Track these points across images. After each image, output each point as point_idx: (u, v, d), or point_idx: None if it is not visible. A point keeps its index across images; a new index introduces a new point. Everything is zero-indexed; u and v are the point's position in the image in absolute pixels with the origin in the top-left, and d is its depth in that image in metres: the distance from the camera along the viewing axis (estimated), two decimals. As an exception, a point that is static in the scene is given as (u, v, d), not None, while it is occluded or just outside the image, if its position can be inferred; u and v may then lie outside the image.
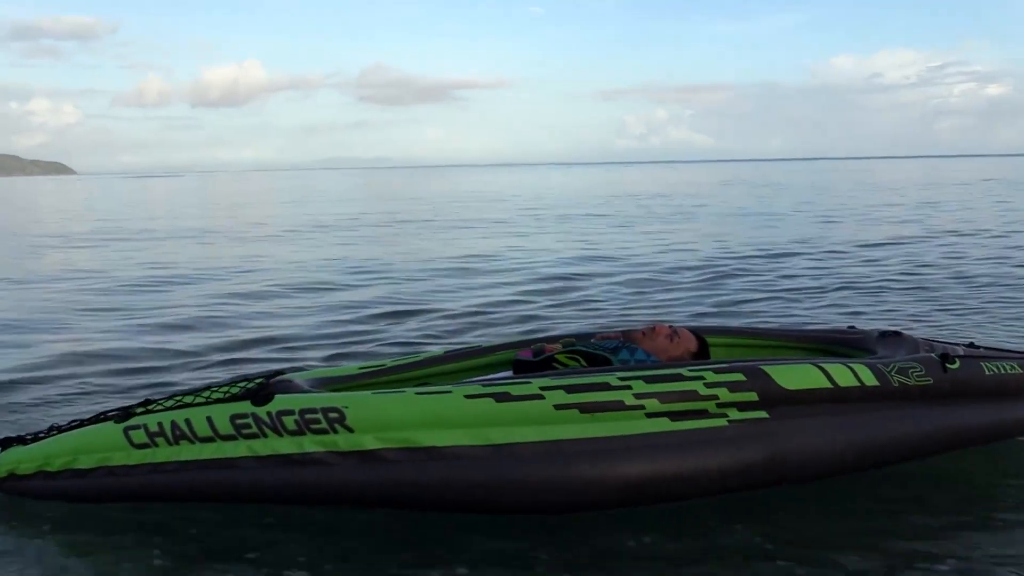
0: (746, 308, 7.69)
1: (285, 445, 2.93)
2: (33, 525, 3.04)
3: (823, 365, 3.08)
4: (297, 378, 3.38)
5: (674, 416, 2.90)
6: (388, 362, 3.77)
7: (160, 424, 3.03)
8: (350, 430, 2.89)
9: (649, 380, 2.92)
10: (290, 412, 2.93)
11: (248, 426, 2.95)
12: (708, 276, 9.71)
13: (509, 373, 3.38)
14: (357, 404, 2.93)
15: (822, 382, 3.03)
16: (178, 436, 3.01)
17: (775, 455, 2.95)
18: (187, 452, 3.01)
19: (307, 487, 2.92)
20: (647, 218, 20.55)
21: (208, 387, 3.35)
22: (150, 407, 3.16)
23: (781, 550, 2.78)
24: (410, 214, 24.40)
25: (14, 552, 2.88)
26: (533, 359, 3.33)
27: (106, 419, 3.20)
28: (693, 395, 2.91)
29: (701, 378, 2.94)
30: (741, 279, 9.47)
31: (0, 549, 2.89)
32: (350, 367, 3.75)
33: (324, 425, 2.90)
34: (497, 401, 2.88)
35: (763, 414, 2.96)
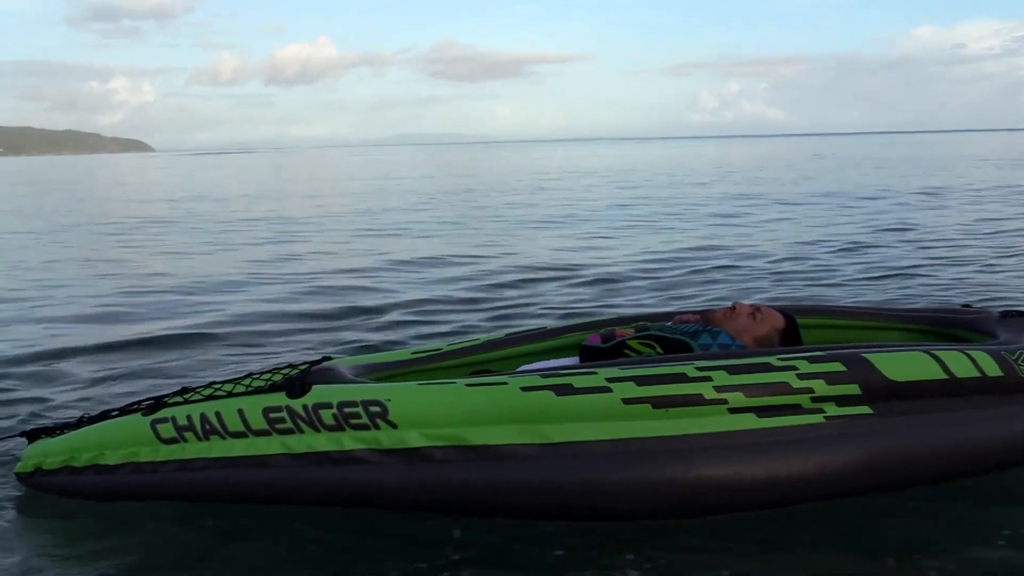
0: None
1: (323, 442, 2.64)
2: (48, 520, 2.85)
3: (936, 352, 2.66)
4: (343, 365, 3.08)
5: (762, 412, 2.52)
6: (444, 346, 3.44)
7: (189, 417, 2.77)
8: (393, 426, 2.59)
9: (733, 370, 2.53)
10: (328, 405, 2.63)
11: (282, 420, 2.66)
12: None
13: (575, 360, 3.03)
14: (401, 397, 2.61)
15: (935, 372, 2.60)
16: (208, 431, 2.74)
17: (880, 457, 2.54)
18: (217, 448, 2.73)
19: (347, 488, 2.63)
20: (786, 195, 18.48)
21: (249, 375, 3.09)
22: (186, 397, 2.90)
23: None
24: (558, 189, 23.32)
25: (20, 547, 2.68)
26: (602, 345, 2.98)
27: (135, 410, 2.96)
28: (784, 388, 2.52)
29: (794, 368, 2.55)
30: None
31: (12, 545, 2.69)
32: (402, 352, 3.44)
33: (365, 420, 2.60)
34: (557, 395, 2.53)
35: (866, 410, 2.56)
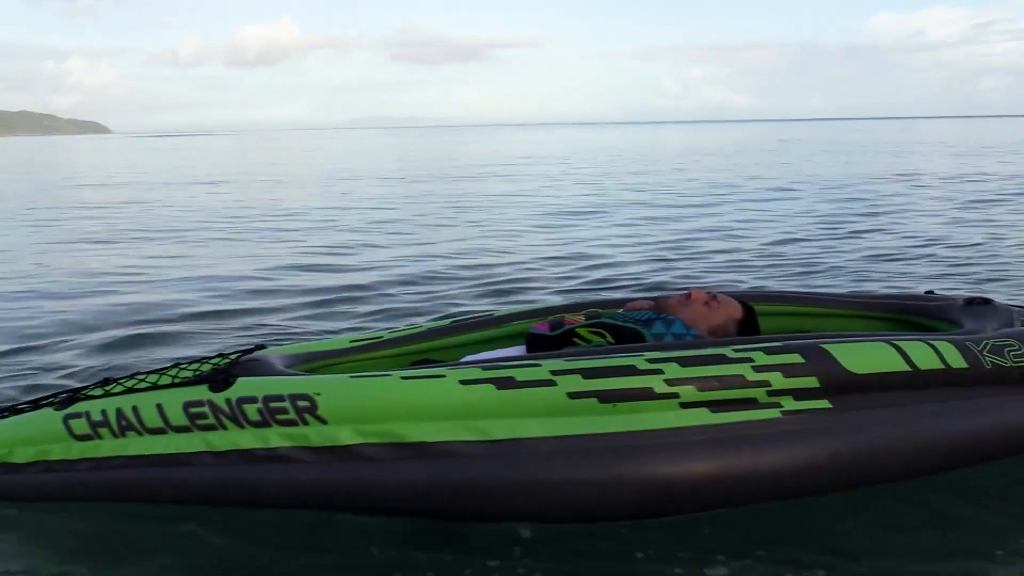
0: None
1: (247, 439, 2.45)
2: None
3: (898, 342, 2.53)
4: (275, 355, 2.89)
5: (715, 406, 2.38)
6: (385, 334, 3.25)
7: (104, 412, 2.57)
8: (323, 421, 2.41)
9: (685, 362, 2.39)
10: (252, 399, 2.44)
11: (204, 416, 2.47)
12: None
13: (523, 349, 2.87)
14: (331, 390, 2.43)
15: (897, 364, 2.48)
16: (124, 427, 2.54)
17: (839, 454, 2.41)
18: (134, 446, 2.54)
19: (274, 488, 2.45)
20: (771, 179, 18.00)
21: (176, 364, 2.89)
22: (107, 389, 2.69)
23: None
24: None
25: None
26: (549, 333, 2.81)
27: (47, 404, 2.75)
28: (739, 380, 2.38)
29: (749, 360, 2.40)
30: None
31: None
32: (340, 340, 3.24)
33: (292, 415, 2.41)
34: (499, 388, 2.37)
35: (825, 404, 2.43)
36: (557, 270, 7.44)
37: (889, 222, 10.15)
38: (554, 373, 2.37)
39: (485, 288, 6.61)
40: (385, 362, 3.09)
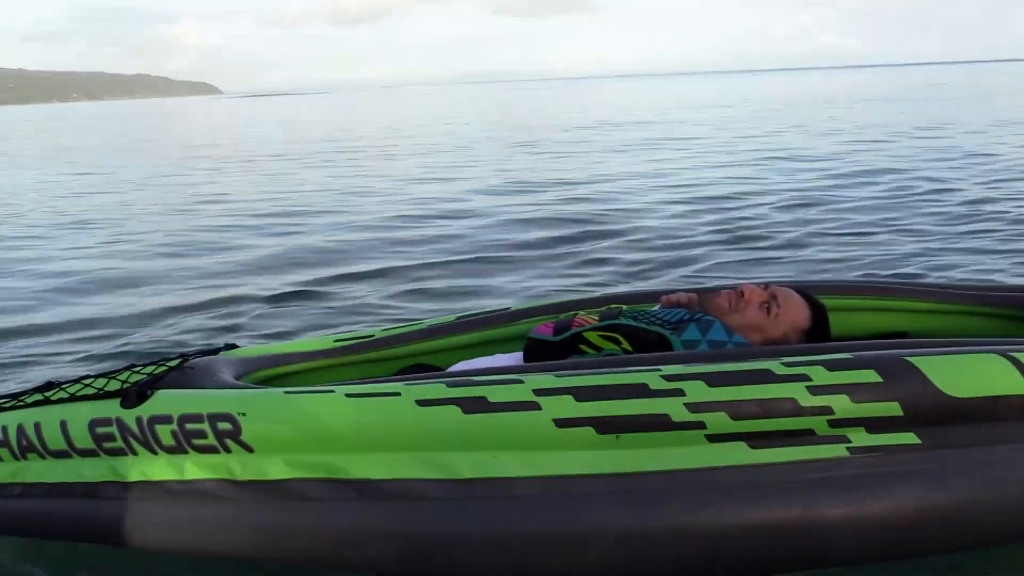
0: None
1: (159, 468, 1.96)
2: None
3: (1016, 354, 1.85)
4: (230, 358, 2.38)
5: (755, 440, 1.77)
6: (377, 332, 2.70)
7: (5, 430, 2.12)
8: (247, 449, 1.90)
9: (715, 380, 1.77)
10: (167, 419, 1.95)
11: (111, 437, 1.99)
12: None
13: (519, 356, 2.29)
14: (259, 410, 1.91)
15: (1014, 383, 1.80)
16: (25, 448, 2.09)
17: (930, 508, 1.76)
18: (34, 471, 2.09)
19: (193, 530, 1.96)
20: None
21: (129, 367, 2.40)
22: (24, 400, 2.24)
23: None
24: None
25: None
26: (552, 338, 2.21)
27: None
28: (789, 406, 1.75)
29: (805, 378, 1.77)
30: None
31: None
32: (323, 340, 2.69)
33: (211, 440, 1.91)
34: (466, 411, 1.81)
35: (911, 438, 1.78)
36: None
37: None
38: (539, 393, 1.80)
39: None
40: (370, 367, 2.56)
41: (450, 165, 13.73)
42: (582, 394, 1.78)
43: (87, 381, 2.27)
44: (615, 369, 1.85)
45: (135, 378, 2.23)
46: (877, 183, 9.11)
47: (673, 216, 7.65)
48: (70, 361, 4.03)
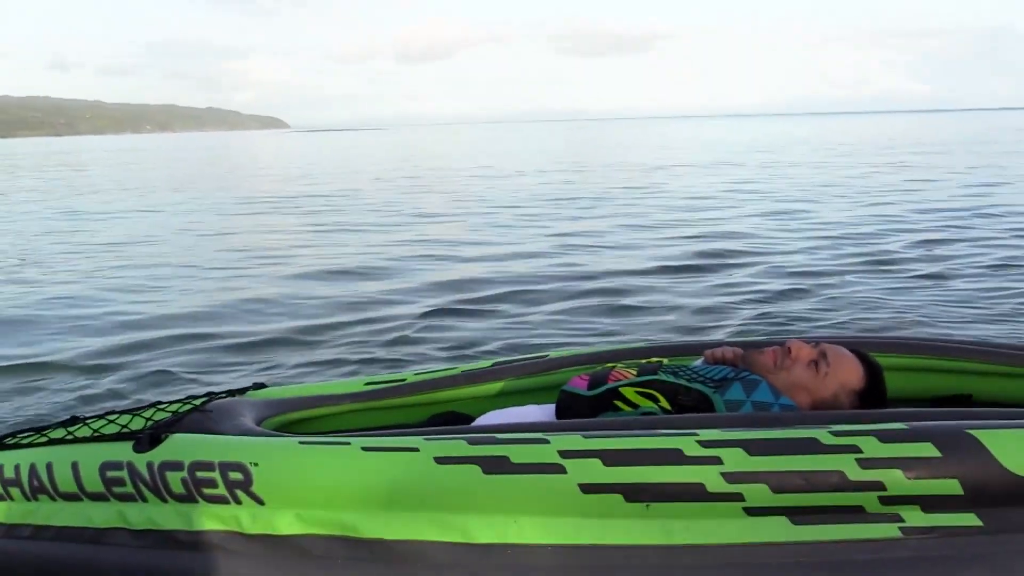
0: None
1: (168, 517, 1.89)
2: None
3: None
4: (253, 399, 2.31)
5: (799, 516, 1.62)
6: (409, 376, 2.60)
7: (18, 468, 2.07)
8: (258, 501, 1.81)
9: (756, 448, 1.64)
10: (178, 465, 1.87)
11: (121, 482, 1.93)
12: None
13: (553, 409, 2.17)
14: (272, 460, 1.83)
15: None
16: (36, 488, 2.03)
17: None
18: (44, 512, 2.03)
19: None
20: None
21: (154, 404, 2.36)
22: (47, 435, 2.20)
23: None
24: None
25: None
26: (586, 393, 2.09)
27: None
28: (837, 480, 1.61)
29: (855, 448, 1.62)
30: None
31: None
32: (353, 382, 2.60)
33: (222, 490, 1.83)
34: (486, 472, 1.70)
35: (971, 520, 1.62)
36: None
37: None
38: (565, 455, 1.68)
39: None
40: (400, 413, 2.47)
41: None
42: (611, 458, 1.66)
43: (112, 417, 2.23)
44: (648, 432, 1.73)
45: (159, 416, 2.18)
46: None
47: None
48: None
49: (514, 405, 2.42)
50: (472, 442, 1.75)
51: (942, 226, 9.69)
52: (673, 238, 9.52)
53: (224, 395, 2.38)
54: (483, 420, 2.18)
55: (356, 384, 2.57)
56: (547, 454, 1.69)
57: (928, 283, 6.47)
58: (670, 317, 5.78)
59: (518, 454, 1.70)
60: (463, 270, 7.74)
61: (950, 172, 18.06)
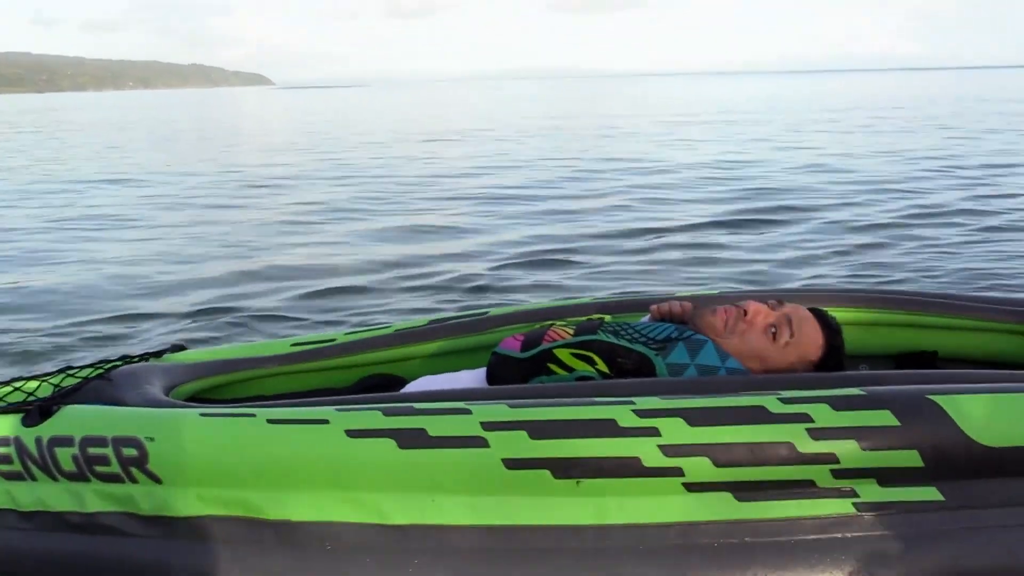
0: None
1: (59, 497, 1.72)
2: None
3: None
4: (165, 364, 2.12)
5: (744, 492, 1.47)
6: (339, 336, 2.43)
7: None
8: (155, 480, 1.64)
9: (697, 418, 1.48)
10: (68, 441, 1.70)
11: (8, 459, 1.75)
12: None
13: (482, 374, 2.00)
14: (169, 434, 1.66)
15: None
16: None
17: None
18: None
19: (93, 569, 1.71)
20: None
21: (64, 369, 2.17)
22: None
23: None
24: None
25: None
26: (518, 355, 1.91)
27: None
28: (785, 452, 1.45)
29: (805, 417, 1.47)
30: None
31: None
32: (279, 343, 2.41)
33: (115, 468, 1.66)
34: (402, 446, 1.54)
35: (933, 494, 1.47)
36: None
37: None
38: (488, 427, 1.52)
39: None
40: (328, 375, 2.31)
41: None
42: (538, 430, 1.50)
43: (18, 384, 2.06)
44: (580, 400, 1.56)
45: (69, 382, 2.00)
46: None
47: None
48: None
49: (451, 366, 2.26)
50: (388, 413, 1.58)
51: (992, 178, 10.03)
52: (723, 193, 9.65)
53: (137, 359, 2.20)
54: (412, 387, 2.02)
55: (282, 345, 2.39)
56: (468, 426, 1.52)
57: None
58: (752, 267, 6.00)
59: (437, 426, 1.54)
60: (531, 228, 7.76)
61: (985, 130, 18.01)
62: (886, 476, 1.46)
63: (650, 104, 39.52)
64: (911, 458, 1.45)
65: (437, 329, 2.35)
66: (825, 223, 7.52)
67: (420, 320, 2.45)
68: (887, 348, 2.27)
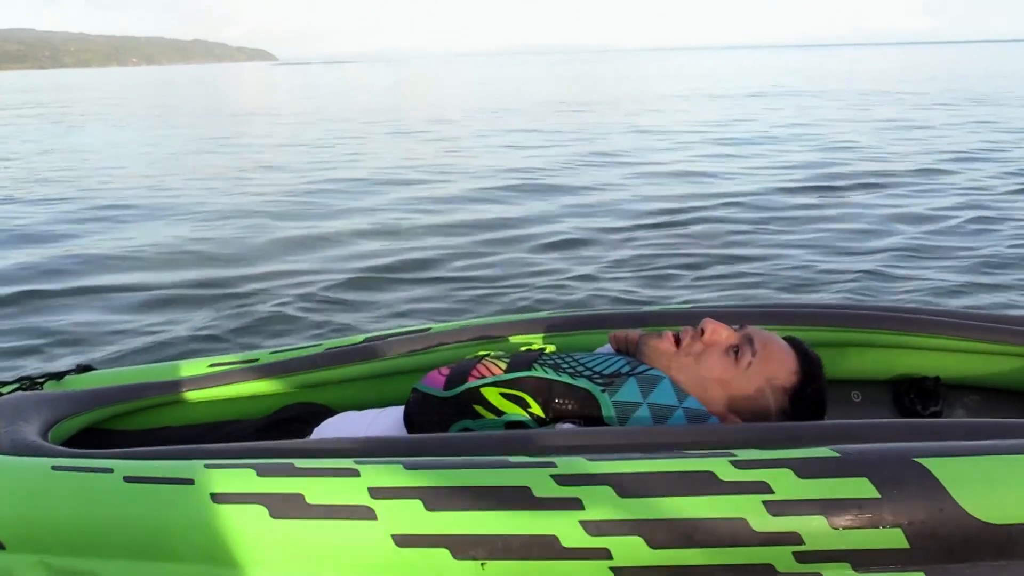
0: None
1: None
2: None
3: None
4: (57, 392, 1.84)
5: None
6: (264, 354, 2.13)
7: None
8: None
9: (628, 488, 1.21)
10: None
11: None
12: None
13: (398, 414, 1.71)
14: (15, 492, 1.38)
15: None
16: None
17: None
18: None
19: None
20: None
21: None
22: None
23: None
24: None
25: None
26: (442, 393, 1.61)
27: None
28: (738, 530, 1.18)
29: (763, 487, 1.20)
30: None
31: None
32: (195, 364, 2.14)
33: None
34: (274, 515, 1.27)
35: None
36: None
37: None
38: (377, 494, 1.25)
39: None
40: (247, 404, 2.03)
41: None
42: (435, 499, 1.23)
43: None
44: (490, 461, 1.29)
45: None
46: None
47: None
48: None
49: (387, 393, 1.98)
50: (262, 472, 1.31)
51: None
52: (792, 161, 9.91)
53: (28, 384, 1.94)
54: (324, 428, 1.74)
55: (199, 366, 2.11)
56: (353, 492, 1.25)
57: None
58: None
59: (316, 491, 1.26)
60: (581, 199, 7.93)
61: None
62: (862, 560, 1.19)
63: (697, 78, 39.00)
64: (894, 538, 1.18)
65: (370, 348, 2.07)
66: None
67: (356, 337, 2.16)
68: (882, 374, 2.00)
